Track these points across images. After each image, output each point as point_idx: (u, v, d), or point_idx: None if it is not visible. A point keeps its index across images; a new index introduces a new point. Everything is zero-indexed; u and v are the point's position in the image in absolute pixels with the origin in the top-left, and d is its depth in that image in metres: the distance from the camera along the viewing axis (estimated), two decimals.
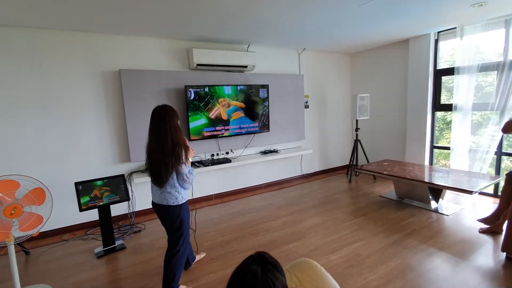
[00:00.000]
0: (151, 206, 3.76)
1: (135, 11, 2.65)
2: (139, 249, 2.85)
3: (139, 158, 3.49)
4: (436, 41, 4.12)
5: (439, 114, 4.31)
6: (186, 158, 1.98)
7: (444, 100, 4.18)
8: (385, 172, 3.65)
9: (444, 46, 4.11)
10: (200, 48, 3.72)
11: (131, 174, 3.55)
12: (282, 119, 4.58)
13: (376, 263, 2.35)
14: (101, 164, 3.41)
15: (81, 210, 2.68)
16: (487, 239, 2.66)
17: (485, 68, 3.57)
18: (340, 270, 2.29)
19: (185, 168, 1.95)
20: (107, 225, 2.83)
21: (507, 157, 3.63)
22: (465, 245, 2.59)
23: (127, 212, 3.61)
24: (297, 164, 5.04)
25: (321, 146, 5.33)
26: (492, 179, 3.14)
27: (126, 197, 2.90)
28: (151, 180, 2.04)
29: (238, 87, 3.98)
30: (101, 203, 2.76)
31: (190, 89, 3.62)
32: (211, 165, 3.79)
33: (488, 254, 2.42)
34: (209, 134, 3.84)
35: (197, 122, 3.73)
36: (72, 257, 2.76)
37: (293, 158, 4.91)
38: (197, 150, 3.91)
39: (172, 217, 2.03)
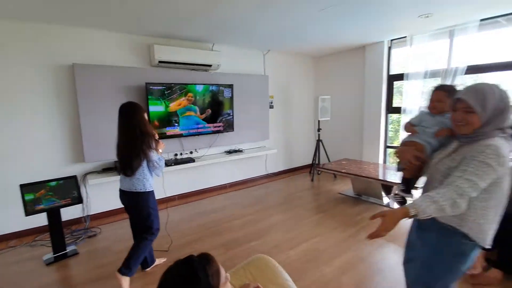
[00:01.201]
0: (108, 209, 3.58)
1: (91, 2, 2.50)
2: (93, 254, 2.70)
3: (94, 158, 3.30)
4: (389, 49, 4.44)
5: (394, 116, 4.64)
6: (156, 148, 2.12)
7: (397, 103, 4.52)
8: (343, 171, 3.85)
9: (397, 53, 4.44)
10: (162, 44, 3.62)
11: (85, 175, 3.35)
12: (247, 119, 4.61)
13: (332, 257, 2.48)
14: (51, 165, 3.17)
15: (27, 214, 2.47)
16: None
17: (431, 74, 3.92)
18: (298, 265, 2.37)
19: (155, 155, 2.10)
20: (57, 230, 2.64)
21: None
22: None
23: (81, 215, 3.39)
24: (261, 164, 5.11)
25: (285, 145, 5.46)
26: None
27: (78, 200, 2.72)
28: (121, 172, 2.12)
29: (203, 86, 3.94)
30: (42, 208, 2.54)
31: (151, 86, 3.50)
32: (174, 164, 3.70)
33: None
34: (172, 133, 3.75)
35: (159, 119, 3.63)
36: (19, 264, 2.54)
37: (257, 157, 4.97)
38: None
39: (141, 204, 2.13)
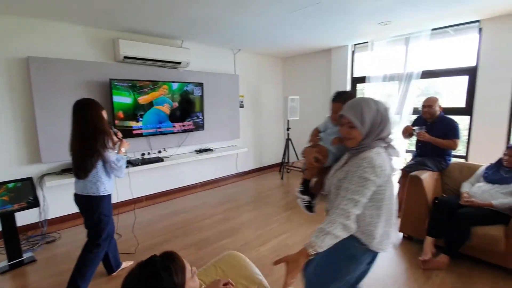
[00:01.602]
0: (68, 212, 3.38)
1: None
2: (52, 261, 2.53)
3: (52, 158, 3.08)
4: (353, 52, 4.70)
5: None
6: (114, 145, 1.99)
7: None
8: None
9: (359, 57, 4.71)
10: (128, 39, 3.48)
11: (42, 177, 3.11)
12: (217, 118, 4.60)
13: None
14: (3, 166, 2.91)
15: None
16: None
17: (390, 78, 4.22)
18: (268, 261, 2.44)
19: (113, 155, 1.95)
20: (11, 236, 2.44)
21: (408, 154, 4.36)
22: None
23: (38, 220, 3.15)
24: (232, 163, 5.13)
25: (256, 144, 5.53)
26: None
27: (34, 204, 2.53)
28: (74, 174, 1.95)
29: (172, 84, 3.85)
30: None
31: (117, 83, 3.35)
32: (141, 164, 3.58)
33: None
34: (139, 132, 3.62)
35: (126, 117, 3.49)
36: None
37: (228, 156, 4.98)
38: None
39: (92, 208, 1.97)
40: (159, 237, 2.93)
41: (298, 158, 5.25)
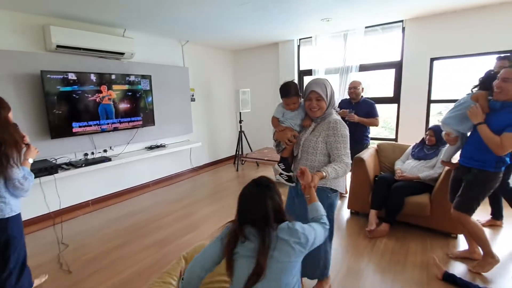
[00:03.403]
0: None
1: None
2: None
3: None
4: (299, 47, 4.96)
5: None
6: (21, 159, 1.63)
7: None
8: (266, 158, 4.17)
9: (305, 51, 5.00)
10: (61, 26, 3.09)
11: None
12: (168, 112, 4.42)
13: None
14: None
15: None
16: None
17: (331, 71, 4.59)
18: None
19: (19, 172, 1.59)
20: None
21: None
22: None
23: None
24: (186, 158, 5.01)
25: (209, 138, 5.48)
26: None
27: None
28: None
29: (114, 76, 3.56)
30: None
31: (49, 75, 2.97)
32: (84, 166, 3.26)
33: (339, 212, 3.20)
34: (80, 130, 3.28)
35: (62, 115, 3.12)
36: None
37: (182, 152, 4.84)
38: (65, 149, 3.28)
39: None
40: (113, 241, 2.74)
41: (251, 150, 5.38)
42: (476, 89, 1.99)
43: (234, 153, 5.68)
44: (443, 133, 2.23)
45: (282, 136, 1.73)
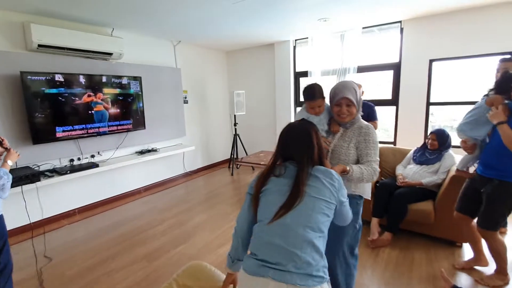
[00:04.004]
0: None
1: None
2: None
3: None
4: (294, 48, 4.85)
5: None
6: (5, 159, 1.69)
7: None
8: (262, 163, 4.02)
9: (301, 52, 4.88)
10: (42, 24, 2.90)
11: None
12: (160, 115, 4.25)
13: None
14: None
15: None
16: None
17: (328, 72, 4.48)
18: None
19: None
20: None
21: None
22: None
23: None
24: (179, 162, 4.83)
25: (203, 141, 5.32)
26: None
27: None
28: None
29: (103, 78, 3.38)
30: None
31: (30, 77, 2.78)
32: (69, 172, 3.07)
33: None
34: (64, 135, 3.09)
35: (46, 119, 2.93)
36: None
37: (174, 156, 4.66)
38: (49, 155, 3.08)
39: None
40: (102, 253, 2.57)
41: (246, 153, 5.24)
42: (492, 92, 1.87)
43: (229, 157, 5.52)
44: (460, 141, 2.09)
45: None
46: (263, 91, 5.32)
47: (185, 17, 3.29)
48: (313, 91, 1.55)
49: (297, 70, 4.93)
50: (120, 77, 3.55)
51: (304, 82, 4.93)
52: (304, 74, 4.78)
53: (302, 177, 1.06)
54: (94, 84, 3.29)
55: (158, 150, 4.23)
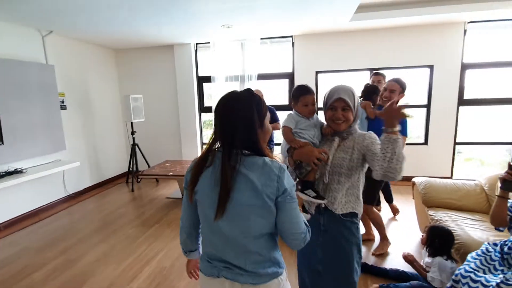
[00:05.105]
0: None
1: None
2: None
3: None
4: (196, 52, 4.69)
5: (206, 115, 4.99)
6: None
7: (209, 103, 4.88)
8: (170, 173, 3.67)
9: (203, 56, 4.76)
10: None
11: None
12: (26, 125, 3.24)
13: (182, 269, 2.29)
14: None
15: None
16: None
17: (232, 78, 4.55)
18: None
19: None
20: None
21: None
22: None
23: None
24: (58, 184, 3.83)
25: (91, 155, 4.42)
26: None
27: None
28: None
29: None
30: None
31: None
32: None
33: None
34: None
35: None
36: None
37: (50, 176, 3.64)
38: None
39: None
40: None
41: (149, 165, 4.68)
42: (361, 99, 2.37)
43: (126, 170, 4.79)
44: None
45: (307, 154, 1.25)
46: (164, 95, 4.91)
47: (58, 0, 2.62)
48: (307, 86, 1.40)
49: (200, 74, 4.79)
50: None
51: (207, 87, 4.84)
52: (208, 79, 4.70)
53: (227, 175, 0.85)
54: None
55: (25, 171, 3.21)
